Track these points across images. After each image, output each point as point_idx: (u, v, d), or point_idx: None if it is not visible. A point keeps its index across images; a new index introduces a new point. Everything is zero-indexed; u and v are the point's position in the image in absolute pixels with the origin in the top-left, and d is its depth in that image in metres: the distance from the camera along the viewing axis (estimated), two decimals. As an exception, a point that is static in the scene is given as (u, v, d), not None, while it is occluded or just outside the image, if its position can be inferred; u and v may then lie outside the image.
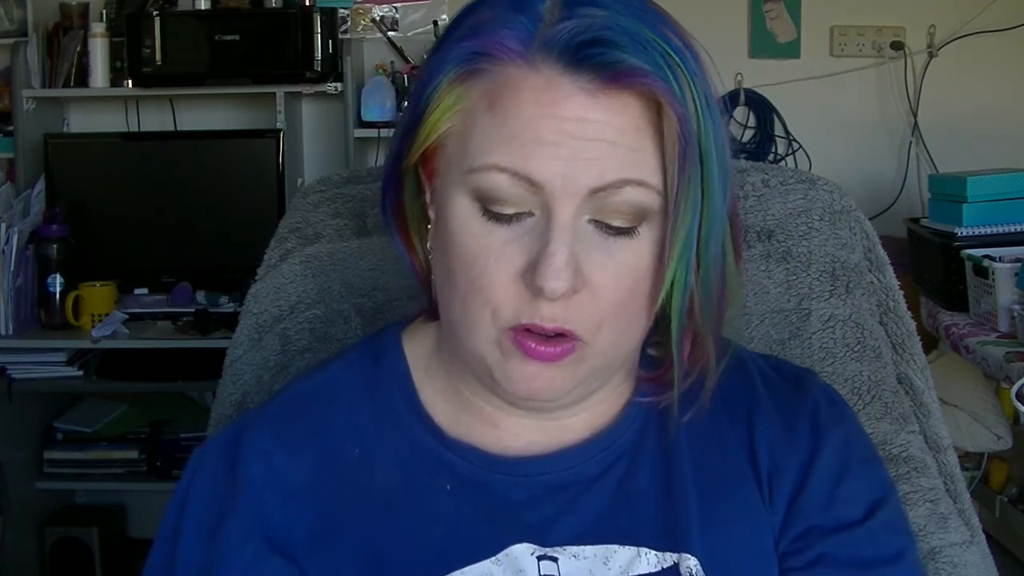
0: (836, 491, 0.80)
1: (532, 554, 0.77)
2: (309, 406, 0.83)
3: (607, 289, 0.72)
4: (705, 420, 0.82)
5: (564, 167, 0.70)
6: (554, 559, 0.77)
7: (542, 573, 0.76)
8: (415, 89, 0.77)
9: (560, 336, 0.73)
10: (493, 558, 0.77)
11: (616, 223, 0.72)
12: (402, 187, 0.81)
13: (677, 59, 0.71)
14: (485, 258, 0.72)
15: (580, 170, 0.70)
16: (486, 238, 0.72)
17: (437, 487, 0.80)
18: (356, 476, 0.80)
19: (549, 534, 0.78)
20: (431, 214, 0.80)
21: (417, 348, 0.86)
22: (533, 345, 0.73)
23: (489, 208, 0.72)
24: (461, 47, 0.73)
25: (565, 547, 0.77)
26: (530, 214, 0.72)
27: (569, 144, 0.70)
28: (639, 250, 0.73)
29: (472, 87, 0.73)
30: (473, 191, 0.72)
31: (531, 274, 0.70)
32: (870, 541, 0.79)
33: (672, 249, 0.73)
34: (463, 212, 0.73)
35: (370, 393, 0.84)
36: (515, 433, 0.81)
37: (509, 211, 0.71)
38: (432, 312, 0.84)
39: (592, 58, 0.69)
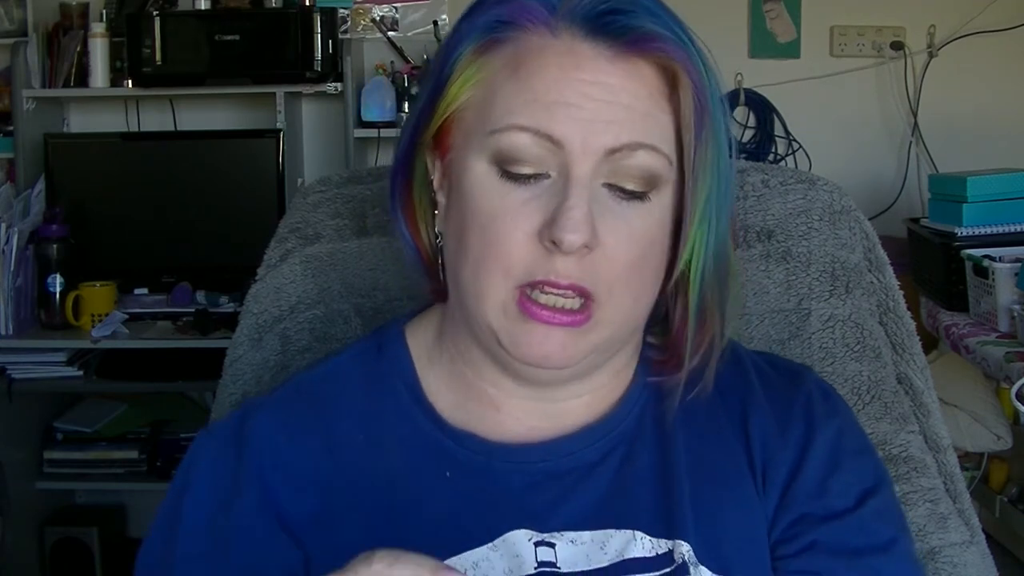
0: (827, 481, 0.81)
1: (530, 540, 0.78)
2: (313, 394, 0.85)
3: (620, 252, 0.75)
4: (701, 411, 0.84)
5: (584, 128, 0.73)
6: (551, 544, 0.78)
7: (539, 559, 0.77)
8: (437, 61, 0.80)
9: (572, 306, 0.74)
10: (491, 544, 0.78)
11: (629, 187, 0.75)
12: (412, 170, 0.83)
13: (686, 32, 0.76)
14: (502, 218, 0.74)
15: (599, 131, 0.73)
16: (504, 199, 0.75)
17: (438, 474, 0.81)
18: (359, 463, 0.82)
19: (548, 520, 0.79)
20: (440, 198, 0.82)
21: (420, 338, 0.87)
22: (541, 311, 0.74)
23: (508, 169, 0.75)
24: (487, 16, 0.77)
25: (563, 532, 0.78)
26: (547, 176, 0.74)
27: (589, 106, 0.73)
28: (650, 217, 0.76)
29: (493, 58, 0.77)
30: (493, 153, 0.75)
31: (548, 230, 0.73)
32: (860, 529, 0.79)
33: (693, 213, 0.76)
34: (481, 176, 0.76)
35: (373, 383, 0.85)
36: (517, 418, 0.82)
37: (527, 171, 0.74)
38: (437, 296, 0.86)
39: (612, 24, 0.74)
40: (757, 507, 0.81)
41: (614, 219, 0.75)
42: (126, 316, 2.85)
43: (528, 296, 0.74)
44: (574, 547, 0.78)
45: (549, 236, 0.72)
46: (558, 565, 0.77)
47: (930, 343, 2.57)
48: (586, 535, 0.78)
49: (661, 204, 0.76)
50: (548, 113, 0.73)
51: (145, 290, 3.01)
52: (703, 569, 0.77)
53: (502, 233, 0.74)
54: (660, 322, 0.84)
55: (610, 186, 0.75)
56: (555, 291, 0.74)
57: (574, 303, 0.74)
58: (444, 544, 0.77)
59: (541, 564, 0.77)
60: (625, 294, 0.76)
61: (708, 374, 0.82)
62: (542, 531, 0.78)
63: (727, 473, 0.82)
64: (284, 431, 0.82)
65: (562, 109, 0.73)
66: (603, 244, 0.74)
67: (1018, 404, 1.94)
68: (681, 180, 0.77)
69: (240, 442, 0.82)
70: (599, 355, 0.79)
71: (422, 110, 0.81)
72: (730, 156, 0.79)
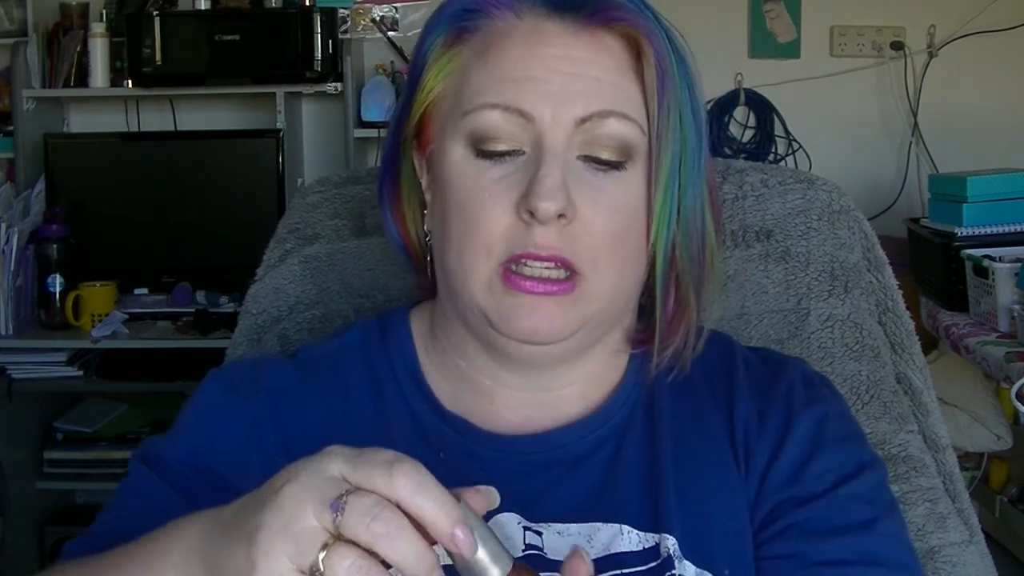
0: (804, 468, 0.80)
1: (519, 524, 0.78)
2: (325, 365, 0.87)
3: (600, 223, 0.76)
4: (690, 403, 0.84)
5: (553, 100, 0.75)
6: (539, 533, 0.78)
7: (527, 542, 0.78)
8: (412, 53, 0.83)
9: (557, 276, 0.75)
10: (489, 521, 0.77)
11: (604, 156, 0.76)
12: (399, 169, 0.85)
13: (647, 4, 0.79)
14: (480, 196, 0.76)
15: (568, 102, 0.75)
16: (480, 178, 0.76)
17: (431, 456, 0.81)
18: (357, 437, 0.81)
19: (536, 510, 0.79)
20: (427, 196, 0.83)
21: (418, 326, 0.89)
22: (525, 282, 0.75)
23: (481, 148, 0.76)
24: (454, 6, 0.80)
25: (550, 523, 0.78)
26: (521, 152, 0.76)
27: (557, 79, 0.76)
28: (628, 188, 0.77)
29: (464, 47, 0.79)
30: (467, 134, 0.77)
31: (524, 202, 0.74)
32: (837, 510, 0.78)
33: (657, 180, 0.77)
34: (458, 159, 0.77)
35: (377, 362, 0.87)
36: (511, 408, 0.83)
37: (501, 148, 0.76)
38: (426, 292, 0.88)
39: (572, 0, 0.77)
40: (741, 498, 0.80)
41: (591, 190, 0.76)
42: (126, 316, 2.85)
43: (512, 270, 0.75)
44: (560, 538, 0.78)
45: (525, 207, 0.73)
46: (544, 551, 0.77)
47: (930, 343, 2.57)
48: (573, 527, 0.78)
49: (637, 175, 0.78)
50: (517, 88, 0.75)
51: (145, 290, 3.01)
52: (687, 563, 0.77)
53: (480, 211, 0.75)
54: (649, 313, 0.84)
55: (585, 158, 0.76)
56: (538, 264, 0.75)
57: (559, 274, 0.75)
58: None
59: (528, 547, 0.77)
60: (609, 267, 0.77)
61: (686, 354, 0.83)
62: (530, 519, 0.79)
63: (713, 465, 0.82)
64: (300, 388, 0.84)
65: (530, 84, 0.75)
66: (582, 215, 0.75)
67: (1018, 404, 1.94)
68: (651, 152, 0.78)
69: (254, 385, 0.84)
70: (588, 332, 0.79)
71: (402, 106, 0.83)
72: (700, 133, 0.80)
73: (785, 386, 0.84)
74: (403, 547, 0.55)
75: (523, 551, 0.77)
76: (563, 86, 0.75)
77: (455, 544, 0.56)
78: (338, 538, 0.55)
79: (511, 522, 0.78)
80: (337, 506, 0.55)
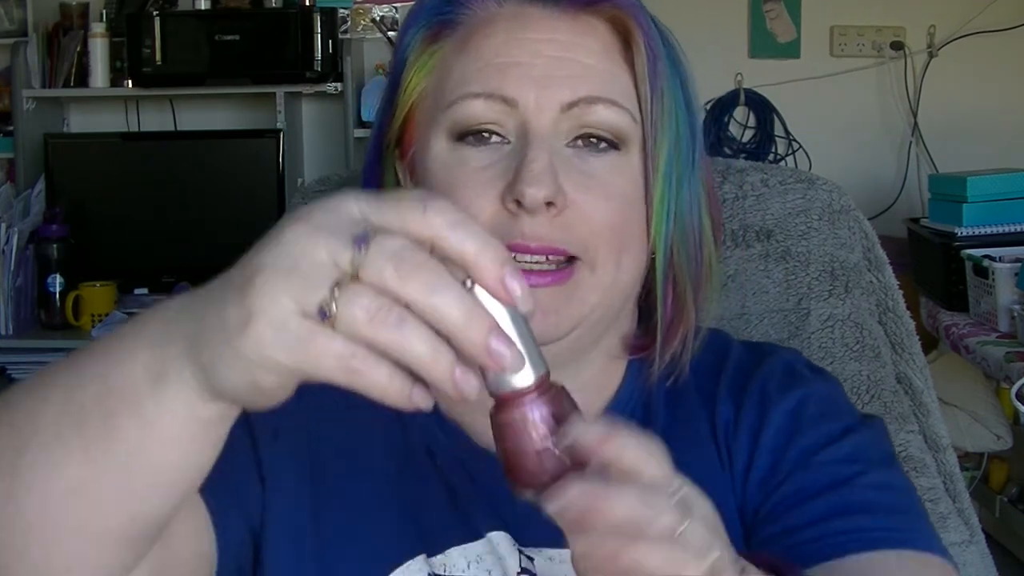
0: (782, 457, 0.76)
1: (512, 545, 0.75)
2: None
3: (596, 211, 0.72)
4: (680, 409, 0.81)
5: (537, 84, 0.72)
6: (531, 558, 0.75)
7: (522, 566, 0.75)
8: (393, 56, 0.80)
9: (550, 269, 0.71)
10: (485, 538, 0.75)
11: (593, 140, 0.73)
12: (381, 177, 0.82)
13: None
14: (463, 186, 0.72)
15: (553, 86, 0.72)
16: (462, 167, 0.72)
17: (429, 465, 0.78)
18: (352, 426, 0.78)
19: (527, 532, 0.75)
20: None
21: None
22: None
23: (464, 136, 0.73)
24: (433, 0, 0.77)
25: (541, 548, 0.75)
26: (506, 142, 0.72)
27: (541, 63, 0.72)
28: (622, 174, 0.74)
29: (444, 42, 0.76)
30: (450, 127, 0.73)
31: (510, 191, 0.69)
32: (815, 476, 0.74)
33: (656, 168, 0.74)
34: (440, 152, 0.74)
35: None
36: None
37: (485, 135, 0.72)
38: None
39: None
40: (732, 504, 0.77)
41: (582, 176, 0.72)
42: (126, 316, 2.85)
43: None
44: (552, 564, 0.75)
45: (512, 196, 0.69)
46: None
47: (930, 343, 2.57)
48: (565, 553, 0.75)
49: (631, 162, 0.74)
50: (500, 75, 0.72)
51: (145, 290, 3.01)
52: None
53: (463, 201, 0.70)
54: (647, 319, 0.81)
55: (575, 145, 0.73)
56: (527, 257, 0.70)
57: (551, 268, 0.71)
58: (430, 531, 0.76)
59: (523, 571, 0.75)
60: (608, 258, 0.72)
61: (684, 359, 0.79)
62: (522, 544, 0.76)
63: (703, 472, 0.75)
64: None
65: (514, 69, 0.72)
66: (574, 202, 0.71)
67: (1018, 404, 1.95)
68: (646, 141, 0.75)
69: None
70: (585, 332, 0.75)
71: (383, 109, 0.80)
72: (693, 129, 0.77)
73: (761, 379, 0.80)
74: (440, 290, 0.46)
75: (518, 575, 0.75)
76: (547, 70, 0.72)
77: (506, 288, 0.47)
78: (353, 279, 0.46)
79: (504, 542, 0.75)
80: (362, 240, 0.46)
